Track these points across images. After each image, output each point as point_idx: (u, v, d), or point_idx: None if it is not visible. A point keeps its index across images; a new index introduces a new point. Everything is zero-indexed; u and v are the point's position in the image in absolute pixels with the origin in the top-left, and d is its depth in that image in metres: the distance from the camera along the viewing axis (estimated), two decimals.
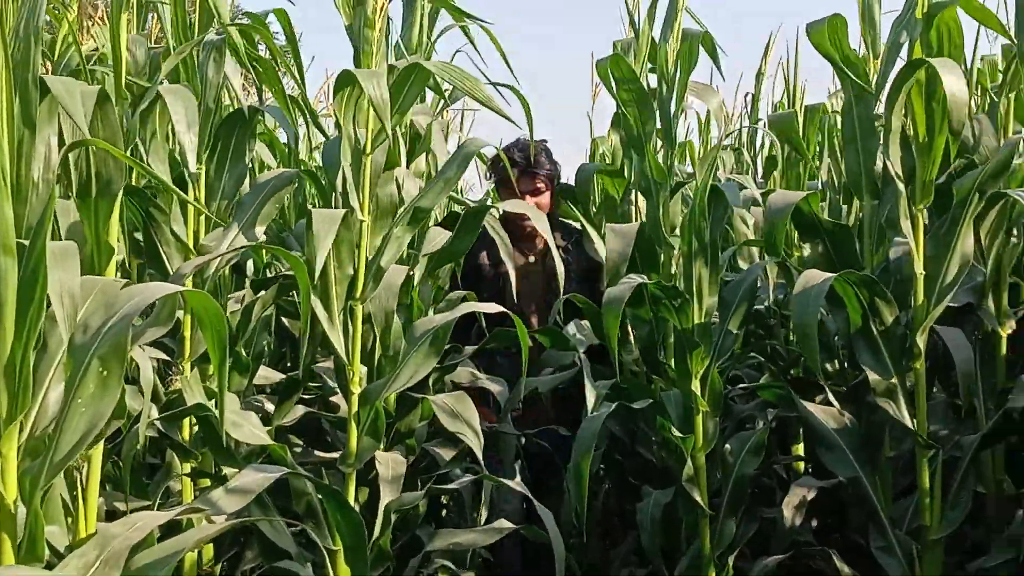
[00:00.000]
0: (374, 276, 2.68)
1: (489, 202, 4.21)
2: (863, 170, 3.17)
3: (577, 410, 3.25)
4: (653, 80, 3.55)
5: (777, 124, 3.84)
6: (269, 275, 3.65)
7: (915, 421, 2.95)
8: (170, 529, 2.45)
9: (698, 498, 3.11)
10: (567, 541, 2.97)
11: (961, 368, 3.03)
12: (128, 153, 2.29)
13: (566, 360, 3.48)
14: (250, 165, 3.05)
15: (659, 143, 3.60)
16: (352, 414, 2.69)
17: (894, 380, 2.97)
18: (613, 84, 3.53)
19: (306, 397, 3.39)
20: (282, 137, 4.38)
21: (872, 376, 2.97)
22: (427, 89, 3.18)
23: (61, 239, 2.14)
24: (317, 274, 2.44)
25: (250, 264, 3.70)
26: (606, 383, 3.19)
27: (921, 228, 2.95)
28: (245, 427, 2.64)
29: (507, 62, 2.85)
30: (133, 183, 2.87)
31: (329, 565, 2.61)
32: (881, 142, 3.08)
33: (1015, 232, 3.13)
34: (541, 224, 3.06)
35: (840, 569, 3.11)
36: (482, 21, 3.01)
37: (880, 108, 3.10)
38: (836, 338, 3.41)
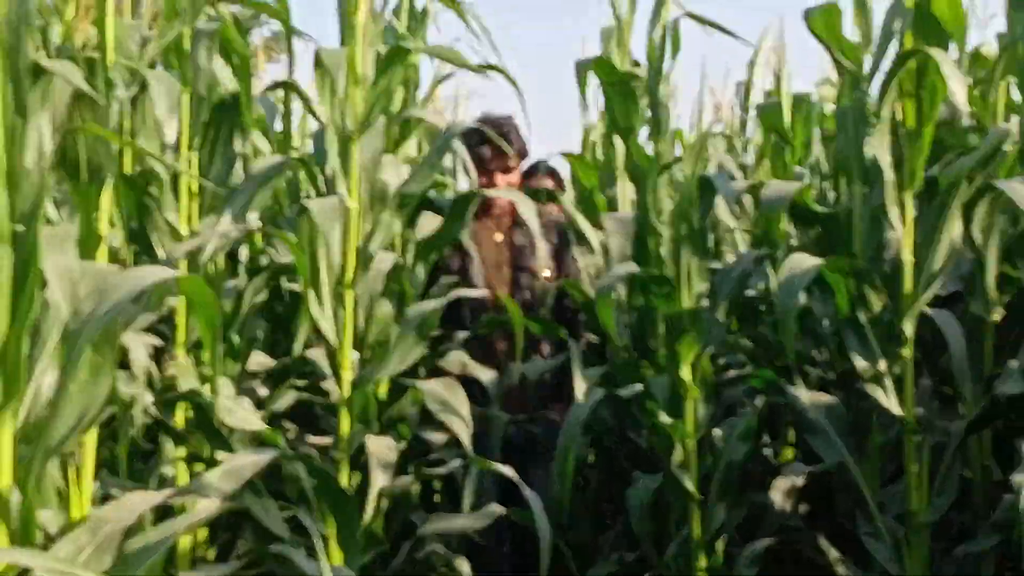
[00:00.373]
0: (364, 262, 2.69)
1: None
2: (854, 156, 3.19)
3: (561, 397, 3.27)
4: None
5: (764, 113, 3.88)
6: (263, 263, 3.65)
7: (903, 408, 2.98)
8: (164, 515, 2.47)
9: (688, 484, 3.13)
10: (555, 526, 2.99)
11: (954, 350, 3.05)
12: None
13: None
14: (242, 151, 3.06)
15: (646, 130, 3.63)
16: (343, 399, 2.70)
17: (882, 367, 3.00)
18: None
19: (299, 383, 3.41)
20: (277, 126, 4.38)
21: (860, 363, 2.99)
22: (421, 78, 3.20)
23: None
24: (323, 263, 2.46)
25: (243, 252, 3.70)
26: (597, 370, 3.20)
27: (910, 216, 2.97)
28: (239, 412, 2.66)
29: (491, 42, 2.87)
30: (128, 172, 2.88)
31: (321, 549, 2.63)
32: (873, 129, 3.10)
33: (1004, 220, 3.15)
34: (524, 207, 3.06)
35: (828, 553, 3.14)
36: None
37: (874, 94, 3.12)
38: (826, 324, 3.43)
